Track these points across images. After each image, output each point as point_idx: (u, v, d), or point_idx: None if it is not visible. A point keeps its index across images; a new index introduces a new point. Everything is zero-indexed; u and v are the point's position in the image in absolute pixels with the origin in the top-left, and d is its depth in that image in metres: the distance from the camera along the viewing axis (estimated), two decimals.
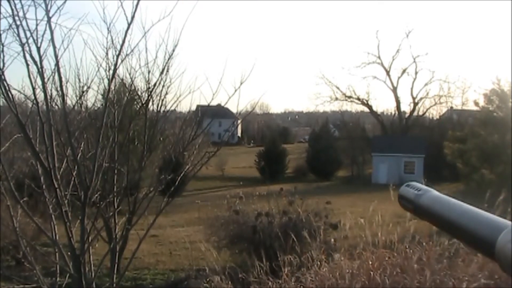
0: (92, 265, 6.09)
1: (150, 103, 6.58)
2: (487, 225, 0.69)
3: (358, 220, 7.16)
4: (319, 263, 5.71)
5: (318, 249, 6.26)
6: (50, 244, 6.38)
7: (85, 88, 6.11)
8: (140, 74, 6.32)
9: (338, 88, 55.97)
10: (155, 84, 6.31)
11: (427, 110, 55.90)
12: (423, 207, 0.85)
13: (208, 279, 6.62)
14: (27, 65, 4.97)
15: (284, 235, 10.12)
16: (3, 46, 4.87)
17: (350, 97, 55.88)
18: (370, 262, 5.45)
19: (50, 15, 4.93)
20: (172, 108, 7.38)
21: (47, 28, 4.94)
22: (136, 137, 7.76)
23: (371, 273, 5.24)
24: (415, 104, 54.78)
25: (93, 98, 6.92)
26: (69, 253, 5.58)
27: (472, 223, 0.72)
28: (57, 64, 5.12)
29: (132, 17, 5.36)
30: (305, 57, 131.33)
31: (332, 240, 9.56)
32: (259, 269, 6.13)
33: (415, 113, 55.41)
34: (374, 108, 56.66)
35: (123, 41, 5.45)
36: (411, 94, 55.24)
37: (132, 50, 5.79)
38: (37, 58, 4.94)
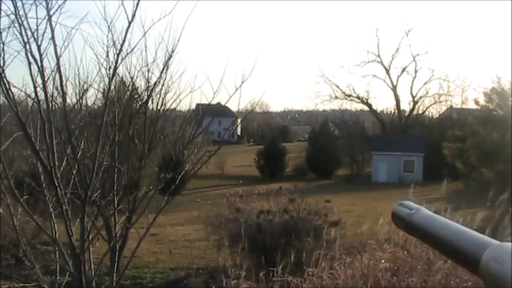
0: (92, 264, 6.08)
1: (150, 102, 6.57)
2: (473, 243, 0.73)
3: (359, 219, 7.16)
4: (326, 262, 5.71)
5: (324, 248, 6.25)
6: (50, 243, 6.37)
7: (85, 87, 6.11)
8: (140, 73, 6.31)
9: (337, 86, 56.12)
10: (155, 83, 6.29)
11: (426, 108, 56.05)
12: (414, 225, 0.88)
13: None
14: (29, 63, 4.96)
15: (284, 233, 10.12)
16: (3, 44, 4.87)
17: (349, 95, 55.97)
18: (376, 261, 5.45)
19: (51, 13, 4.93)
20: (172, 107, 7.37)
21: (48, 26, 4.93)
22: (136, 135, 7.75)
23: (380, 273, 5.23)
24: (415, 102, 54.87)
25: (93, 97, 6.89)
26: (69, 252, 5.58)
27: (459, 240, 0.76)
28: (57, 63, 5.11)
29: (133, 16, 5.36)
30: (305, 56, 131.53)
31: (338, 237, 9.57)
32: (257, 268, 6.12)
33: (415, 112, 55.51)
34: (374, 107, 56.83)
35: (124, 40, 5.44)
36: (411, 93, 55.38)
37: (132, 49, 5.78)
38: (37, 57, 4.94)
